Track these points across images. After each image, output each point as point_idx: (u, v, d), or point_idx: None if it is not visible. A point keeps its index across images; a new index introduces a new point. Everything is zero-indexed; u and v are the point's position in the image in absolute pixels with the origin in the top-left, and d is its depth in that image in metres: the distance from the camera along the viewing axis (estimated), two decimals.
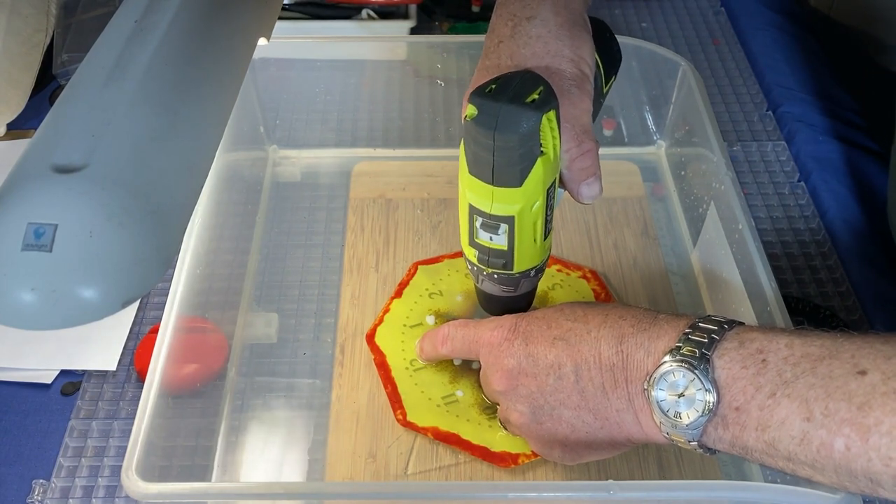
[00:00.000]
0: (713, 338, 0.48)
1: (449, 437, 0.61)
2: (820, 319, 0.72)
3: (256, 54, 0.66)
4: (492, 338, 0.57)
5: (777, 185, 0.86)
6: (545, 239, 0.57)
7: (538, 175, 0.52)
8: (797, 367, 0.45)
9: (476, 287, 0.62)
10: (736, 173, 0.70)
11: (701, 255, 0.74)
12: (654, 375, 0.49)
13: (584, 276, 0.73)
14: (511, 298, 0.60)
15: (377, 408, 0.64)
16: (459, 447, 0.61)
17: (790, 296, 0.74)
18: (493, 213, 0.53)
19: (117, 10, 0.50)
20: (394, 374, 0.66)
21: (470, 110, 0.51)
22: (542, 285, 0.71)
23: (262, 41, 0.64)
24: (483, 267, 0.58)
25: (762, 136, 0.91)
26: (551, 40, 0.59)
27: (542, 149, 0.51)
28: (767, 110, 0.94)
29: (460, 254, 0.59)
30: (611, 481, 0.49)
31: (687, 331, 0.49)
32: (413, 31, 0.97)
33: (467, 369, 0.65)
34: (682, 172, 0.80)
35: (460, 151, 0.54)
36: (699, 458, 0.61)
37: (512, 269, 0.57)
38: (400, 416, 0.63)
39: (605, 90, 0.64)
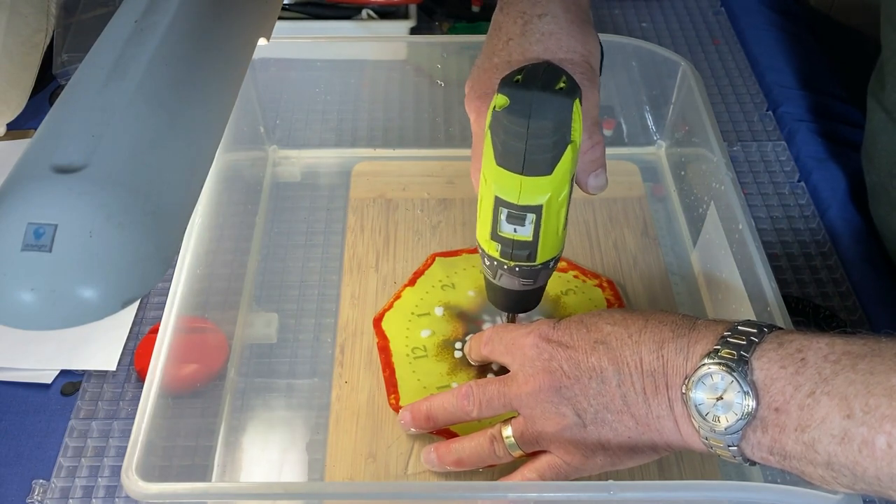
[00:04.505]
0: (752, 340, 0.48)
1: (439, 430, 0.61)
2: (820, 319, 0.72)
3: (256, 54, 0.66)
4: (530, 341, 0.56)
5: (777, 185, 0.86)
6: (564, 228, 0.57)
7: (567, 162, 0.52)
8: (837, 365, 0.44)
9: (489, 283, 0.61)
10: (736, 173, 0.70)
11: (701, 255, 0.74)
12: (693, 378, 0.48)
13: (600, 285, 0.72)
14: (526, 293, 0.60)
15: (377, 408, 0.64)
16: (445, 437, 0.61)
17: (790, 296, 0.74)
18: (521, 203, 0.53)
19: (117, 10, 0.50)
20: (394, 359, 0.66)
21: (500, 100, 0.51)
22: (556, 290, 0.71)
23: (262, 41, 0.64)
24: (505, 261, 0.57)
25: (762, 136, 0.91)
26: (563, 36, 0.59)
27: (571, 136, 0.51)
28: (767, 110, 0.94)
29: (477, 250, 0.59)
30: (611, 481, 0.49)
31: (725, 334, 0.49)
32: (413, 31, 0.97)
33: (467, 363, 0.66)
34: (682, 172, 0.80)
35: (486, 143, 0.53)
36: (699, 458, 0.61)
37: (535, 261, 0.56)
38: (393, 401, 0.64)
39: None
